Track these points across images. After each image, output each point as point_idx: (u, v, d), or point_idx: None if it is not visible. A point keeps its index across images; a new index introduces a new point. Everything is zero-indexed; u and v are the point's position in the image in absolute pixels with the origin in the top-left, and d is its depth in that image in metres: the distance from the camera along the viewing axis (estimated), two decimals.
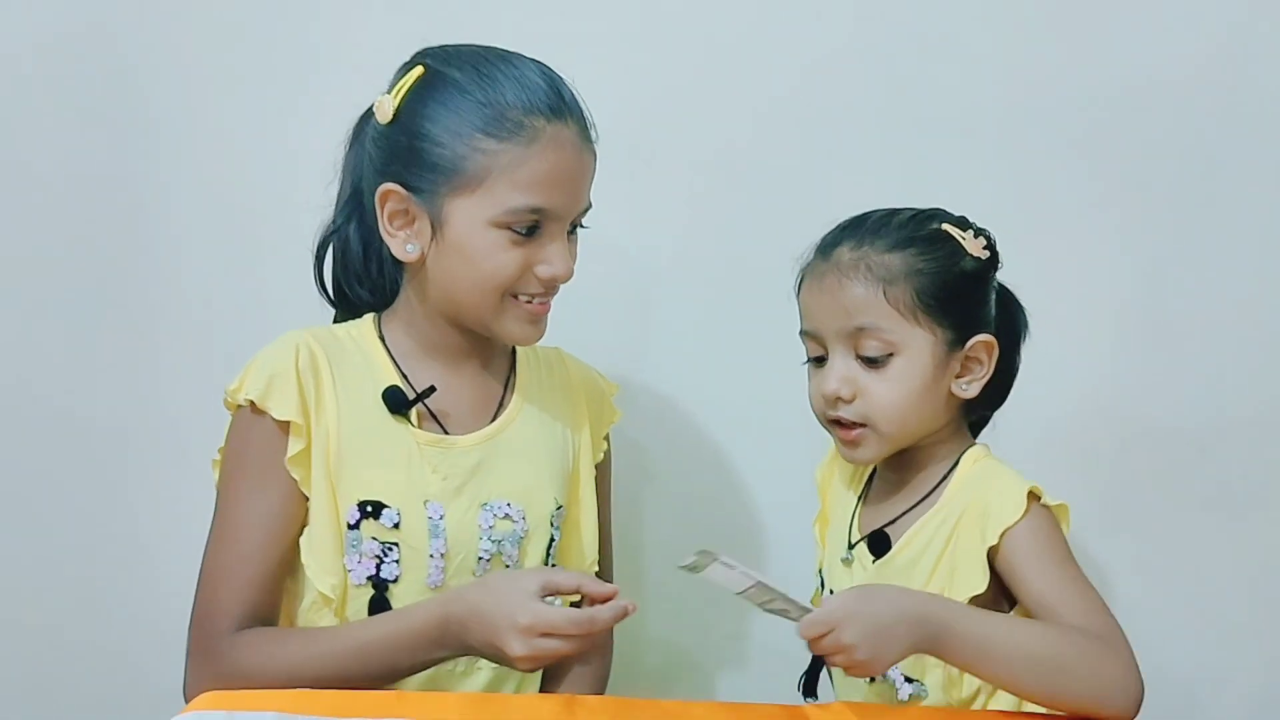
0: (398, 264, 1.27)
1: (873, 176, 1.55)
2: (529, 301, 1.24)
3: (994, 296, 1.26)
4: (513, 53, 1.23)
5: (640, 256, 1.61)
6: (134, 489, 1.62)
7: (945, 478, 1.23)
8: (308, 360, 1.23)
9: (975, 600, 1.14)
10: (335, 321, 1.33)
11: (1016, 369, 1.30)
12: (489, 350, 1.31)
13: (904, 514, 1.24)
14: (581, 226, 1.27)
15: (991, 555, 1.15)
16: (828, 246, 1.24)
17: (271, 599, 1.21)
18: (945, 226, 1.22)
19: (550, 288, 1.24)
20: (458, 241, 1.21)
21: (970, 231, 1.23)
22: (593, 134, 1.25)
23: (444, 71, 1.21)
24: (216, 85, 1.58)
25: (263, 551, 1.20)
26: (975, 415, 1.30)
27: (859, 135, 1.58)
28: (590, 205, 1.26)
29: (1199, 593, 1.61)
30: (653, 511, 1.65)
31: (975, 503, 1.18)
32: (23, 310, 1.61)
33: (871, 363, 1.20)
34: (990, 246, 1.24)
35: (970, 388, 1.22)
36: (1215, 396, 1.58)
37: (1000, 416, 1.31)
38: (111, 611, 1.62)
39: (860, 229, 1.23)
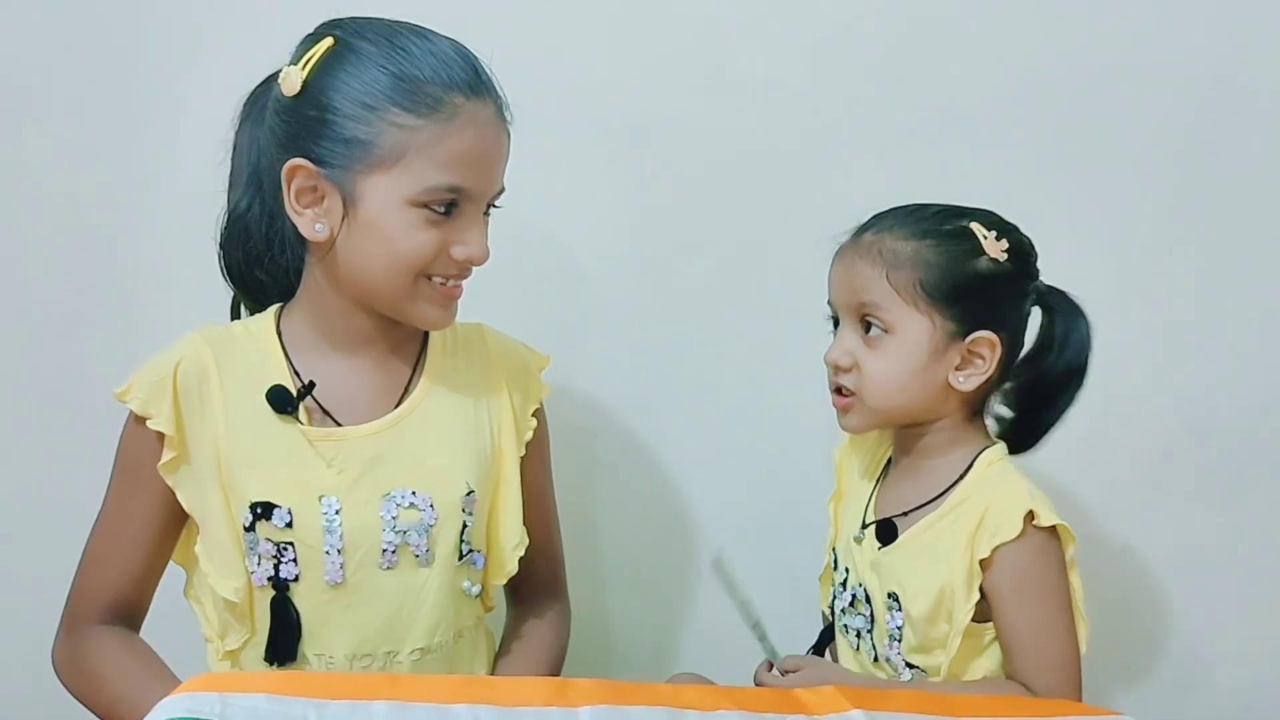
0: (302, 245, 1.22)
1: (863, 167, 1.56)
2: (443, 283, 1.20)
3: (1022, 302, 1.27)
4: (425, 28, 1.19)
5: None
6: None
7: (961, 477, 1.25)
8: (191, 366, 1.21)
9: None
10: (244, 310, 1.31)
11: (1068, 387, 1.28)
12: (395, 335, 1.27)
13: (917, 508, 1.26)
14: (495, 207, 1.24)
15: (983, 566, 1.18)
16: (859, 230, 1.28)
17: (134, 595, 1.25)
18: (972, 225, 1.24)
19: (465, 270, 1.21)
20: (372, 220, 1.16)
21: (995, 233, 1.24)
22: (508, 115, 1.21)
23: (355, 44, 1.16)
24: (209, 74, 1.57)
25: (128, 551, 1.24)
26: (1018, 428, 1.31)
27: (849, 125, 1.57)
28: (504, 188, 1.23)
29: (1193, 579, 1.61)
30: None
31: (977, 513, 1.20)
32: (18, 304, 1.61)
33: (871, 337, 1.24)
34: (1015, 252, 1.24)
35: (968, 381, 1.24)
36: (1208, 383, 1.58)
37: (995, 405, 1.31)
38: None
39: (891, 217, 1.27)
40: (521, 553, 1.31)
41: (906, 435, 1.30)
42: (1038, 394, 1.29)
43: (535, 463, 1.36)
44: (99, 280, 1.61)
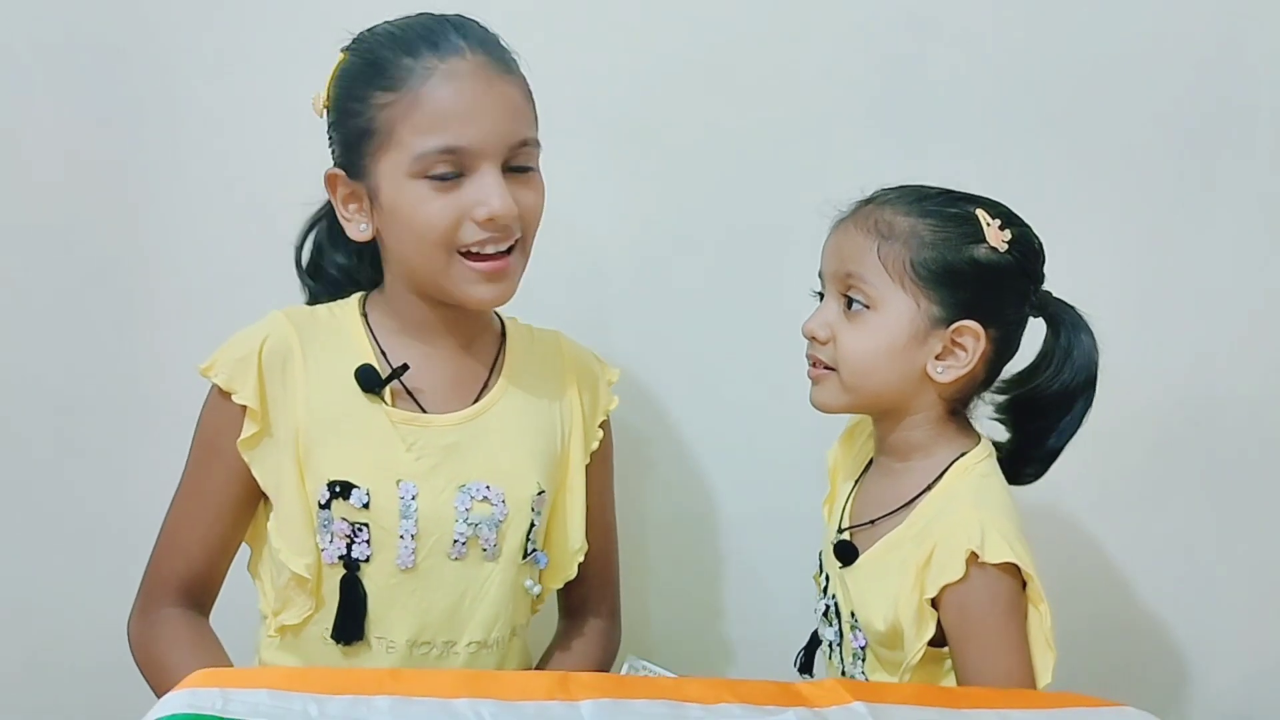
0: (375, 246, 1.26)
1: (862, 158, 1.56)
2: (479, 254, 1.19)
3: (1020, 303, 1.22)
4: (419, 13, 1.22)
5: (638, 243, 1.61)
6: (130, 472, 1.62)
7: (929, 487, 1.20)
8: (276, 344, 1.23)
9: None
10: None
11: (1070, 407, 1.23)
12: (471, 327, 1.29)
13: (884, 517, 1.22)
14: (528, 169, 1.20)
15: (934, 604, 1.15)
16: (862, 202, 1.24)
17: (208, 572, 1.27)
18: (978, 210, 1.20)
19: (496, 232, 1.18)
20: (390, 205, 1.19)
21: (999, 222, 1.20)
22: (507, 62, 1.20)
23: (351, 51, 1.22)
24: (208, 68, 1.57)
25: (204, 527, 1.25)
26: (1023, 469, 1.26)
27: (852, 120, 1.58)
28: (530, 140, 1.20)
29: (1194, 570, 1.62)
30: (654, 500, 1.65)
31: (927, 548, 1.15)
32: (15, 297, 1.61)
33: (852, 310, 1.21)
34: (1018, 246, 1.20)
35: (945, 373, 1.19)
36: (1208, 376, 1.58)
37: (990, 397, 1.27)
38: (109, 593, 1.62)
39: (894, 192, 1.23)
40: (581, 558, 1.32)
41: (883, 431, 1.26)
42: (1036, 414, 1.23)
43: (598, 474, 1.36)
44: (98, 280, 1.61)
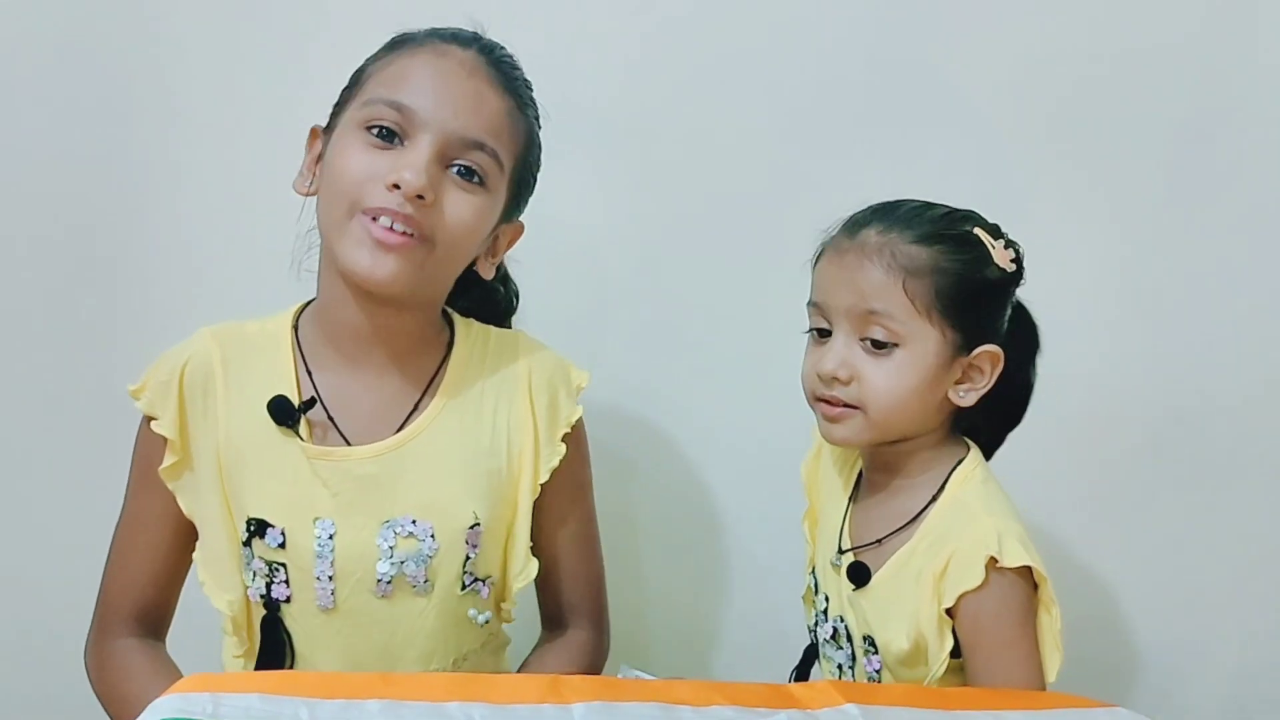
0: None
1: (857, 160, 1.56)
2: (373, 221, 1.11)
3: (1010, 311, 1.23)
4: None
5: (631, 245, 1.61)
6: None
7: (933, 499, 1.20)
8: (197, 367, 1.18)
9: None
10: None
11: (1031, 387, 1.27)
12: (405, 335, 1.20)
13: (890, 535, 1.21)
14: (474, 177, 1.14)
15: (950, 614, 1.15)
16: (856, 225, 1.20)
17: (158, 597, 1.23)
18: (977, 230, 1.19)
19: (399, 206, 1.10)
20: (329, 152, 1.16)
21: (1001, 241, 1.19)
22: (504, 74, 1.17)
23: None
24: (203, 69, 1.56)
25: (148, 554, 1.22)
26: (987, 437, 1.27)
27: (847, 119, 1.58)
28: (485, 147, 1.14)
29: (1183, 569, 1.62)
30: (643, 505, 1.64)
31: (944, 557, 1.15)
32: (9, 299, 1.60)
33: (876, 348, 1.17)
34: (1018, 260, 1.21)
35: (967, 396, 1.19)
36: (1199, 374, 1.59)
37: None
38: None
39: (892, 215, 1.19)
40: (524, 582, 1.24)
41: (880, 451, 1.24)
42: (998, 408, 1.24)
43: (565, 489, 1.26)
44: (96, 281, 1.60)
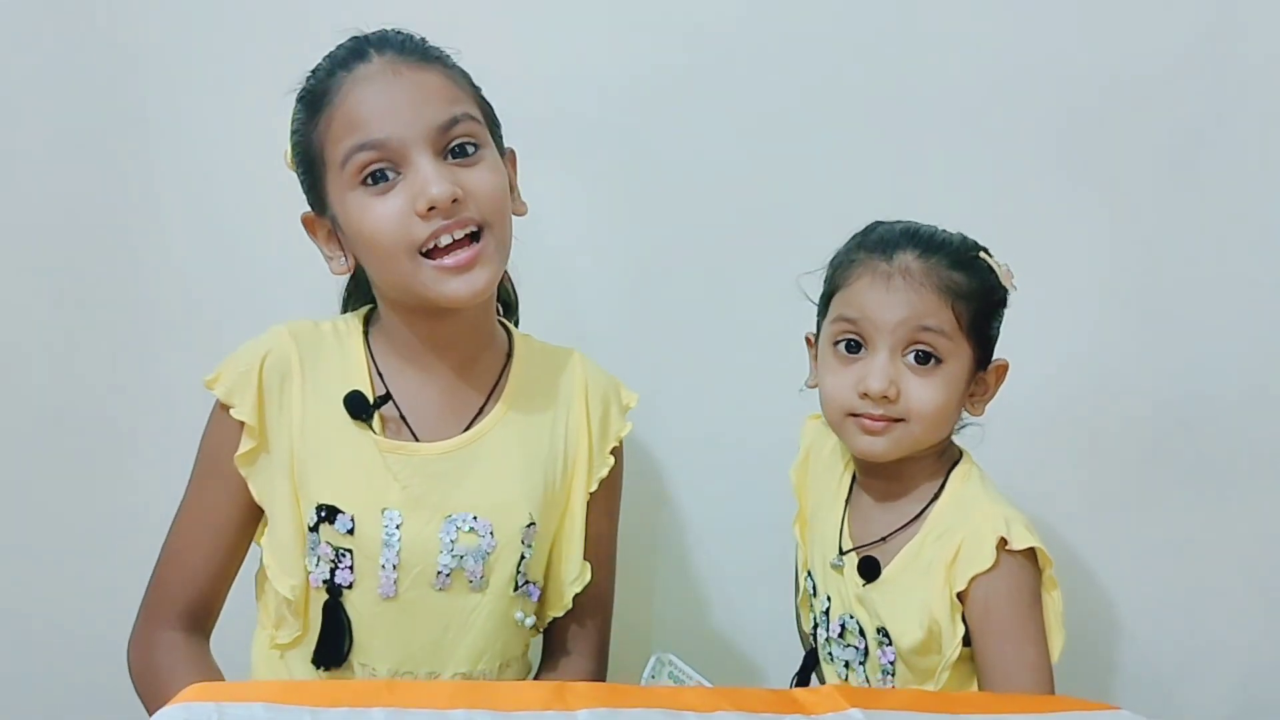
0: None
1: (858, 166, 1.55)
2: (439, 251, 1.15)
3: None
4: (349, 38, 1.21)
5: (630, 252, 1.60)
6: (126, 482, 1.60)
7: (935, 498, 1.25)
8: (277, 361, 1.21)
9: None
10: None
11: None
12: (469, 346, 1.26)
13: (895, 533, 1.25)
14: (471, 149, 1.17)
15: (961, 598, 1.18)
16: (888, 246, 1.24)
17: (210, 590, 1.24)
18: (983, 256, 1.25)
19: (445, 220, 1.13)
20: (346, 225, 1.18)
21: (1004, 266, 1.26)
22: (422, 53, 1.18)
23: (297, 95, 1.22)
24: (205, 74, 1.56)
25: (207, 544, 1.23)
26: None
27: (842, 123, 1.57)
28: (460, 117, 1.16)
29: (1183, 570, 1.61)
30: (664, 513, 1.64)
31: (954, 544, 1.19)
32: (11, 304, 1.59)
33: (920, 363, 1.21)
34: (1014, 280, 1.27)
35: (978, 406, 1.27)
36: (1199, 374, 1.58)
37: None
38: (101, 606, 1.61)
39: (923, 240, 1.24)
40: (580, 588, 1.29)
41: (897, 461, 1.27)
42: None
43: (603, 503, 1.32)
44: (94, 290, 1.59)
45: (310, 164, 1.20)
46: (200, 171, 1.57)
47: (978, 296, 1.23)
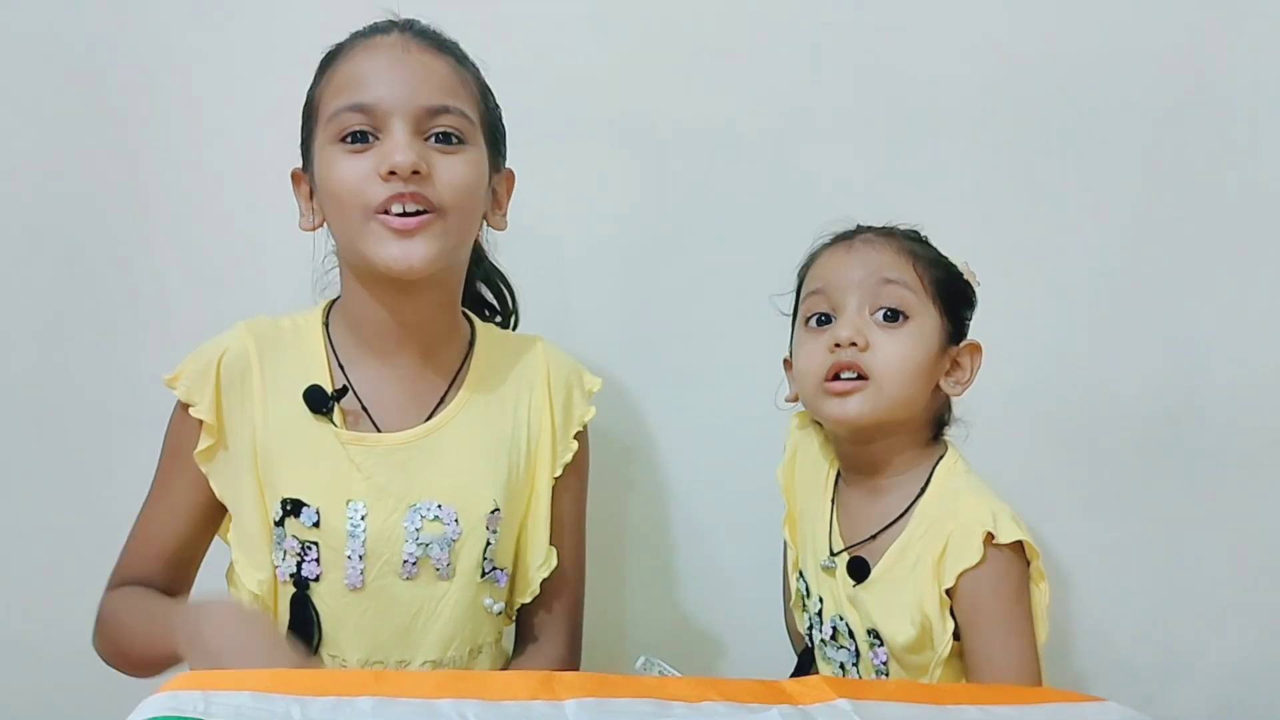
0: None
1: (847, 161, 1.56)
2: (387, 215, 1.16)
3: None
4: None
5: (617, 247, 1.61)
6: (114, 474, 1.59)
7: (921, 492, 1.24)
8: (235, 358, 1.23)
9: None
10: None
11: None
12: (430, 332, 1.26)
13: (883, 531, 1.25)
14: (453, 140, 1.19)
15: (949, 594, 1.18)
16: (850, 235, 1.27)
17: (175, 579, 1.26)
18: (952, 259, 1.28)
19: (403, 188, 1.15)
20: (317, 179, 1.21)
21: (964, 263, 1.28)
22: (437, 41, 1.21)
23: None
24: (192, 72, 1.56)
25: (170, 536, 1.25)
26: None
27: (831, 121, 1.58)
28: (451, 109, 1.19)
29: (1172, 566, 1.62)
30: (633, 503, 1.64)
31: (942, 540, 1.19)
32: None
33: (890, 319, 1.22)
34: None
35: (956, 388, 1.26)
36: (1189, 373, 1.60)
37: (973, 396, 1.31)
38: (88, 598, 1.60)
39: (879, 227, 1.27)
40: (546, 573, 1.30)
41: (864, 451, 1.28)
42: None
43: (569, 487, 1.33)
44: (83, 284, 1.59)
45: (308, 117, 1.23)
46: (187, 165, 1.57)
47: (940, 266, 1.24)
